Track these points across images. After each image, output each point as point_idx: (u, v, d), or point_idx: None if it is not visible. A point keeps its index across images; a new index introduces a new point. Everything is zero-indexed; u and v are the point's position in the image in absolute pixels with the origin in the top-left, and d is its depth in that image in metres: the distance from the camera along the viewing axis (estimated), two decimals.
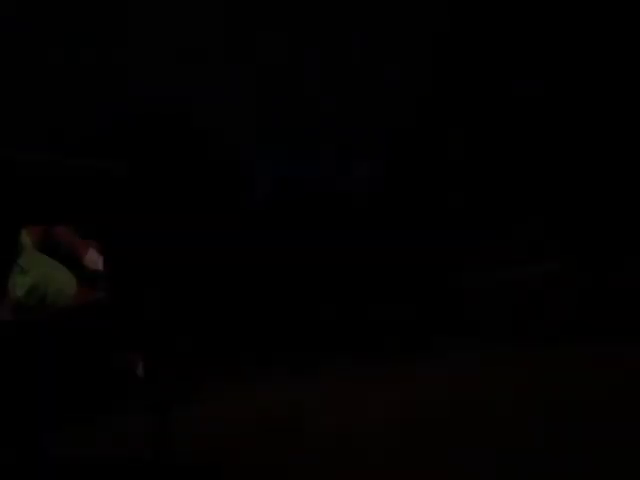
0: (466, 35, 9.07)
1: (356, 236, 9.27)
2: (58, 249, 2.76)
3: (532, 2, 8.78)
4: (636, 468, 1.68)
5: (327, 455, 2.15)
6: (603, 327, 4.64)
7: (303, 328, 7.57)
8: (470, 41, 9.01)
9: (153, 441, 1.95)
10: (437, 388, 3.12)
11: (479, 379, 3.20)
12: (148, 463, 2.09)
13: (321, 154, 9.50)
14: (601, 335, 4.21)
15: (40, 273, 2.71)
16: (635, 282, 6.53)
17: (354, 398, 3.20)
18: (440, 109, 9.40)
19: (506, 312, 6.80)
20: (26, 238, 2.73)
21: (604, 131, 8.07)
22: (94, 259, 2.80)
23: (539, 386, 2.83)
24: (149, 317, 1.97)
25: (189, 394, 3.65)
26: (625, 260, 7.14)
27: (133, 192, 1.95)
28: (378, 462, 1.98)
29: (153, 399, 1.97)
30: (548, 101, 8.39)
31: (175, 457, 2.03)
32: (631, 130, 7.94)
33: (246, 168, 10.07)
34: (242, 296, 8.47)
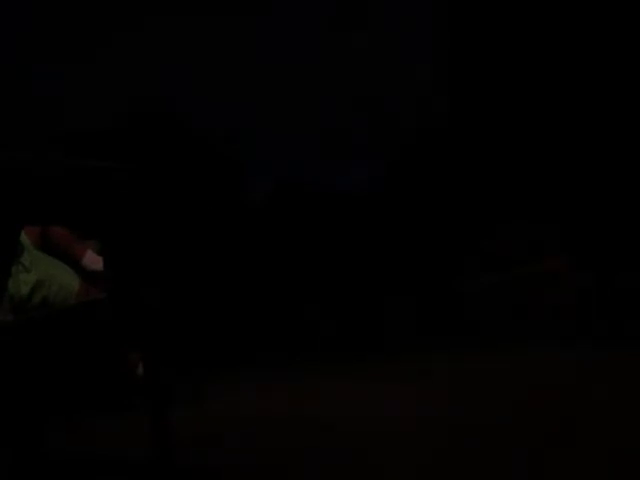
0: (467, 39, 9.07)
1: (356, 236, 9.27)
2: (54, 250, 2.75)
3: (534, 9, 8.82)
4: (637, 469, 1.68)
5: (327, 455, 2.15)
6: (604, 327, 4.64)
7: (303, 328, 7.57)
8: (472, 44, 9.01)
9: (153, 441, 1.94)
10: (437, 388, 3.12)
11: (479, 379, 3.20)
12: (148, 463, 2.09)
13: (321, 155, 9.49)
14: (602, 335, 4.21)
15: (43, 271, 2.70)
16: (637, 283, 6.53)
17: (354, 398, 3.20)
18: (441, 111, 9.40)
19: (506, 312, 6.80)
20: (25, 237, 2.73)
21: (608, 133, 8.07)
22: (92, 260, 2.79)
23: (539, 386, 2.83)
24: (149, 317, 1.97)
25: (189, 394, 3.65)
26: (628, 260, 7.14)
27: (133, 192, 1.95)
28: (379, 462, 1.98)
29: (153, 399, 1.97)
30: (552, 101, 8.39)
31: (175, 457, 2.02)
32: (635, 133, 7.93)
33: (246, 168, 10.08)
34: (242, 296, 8.47)
